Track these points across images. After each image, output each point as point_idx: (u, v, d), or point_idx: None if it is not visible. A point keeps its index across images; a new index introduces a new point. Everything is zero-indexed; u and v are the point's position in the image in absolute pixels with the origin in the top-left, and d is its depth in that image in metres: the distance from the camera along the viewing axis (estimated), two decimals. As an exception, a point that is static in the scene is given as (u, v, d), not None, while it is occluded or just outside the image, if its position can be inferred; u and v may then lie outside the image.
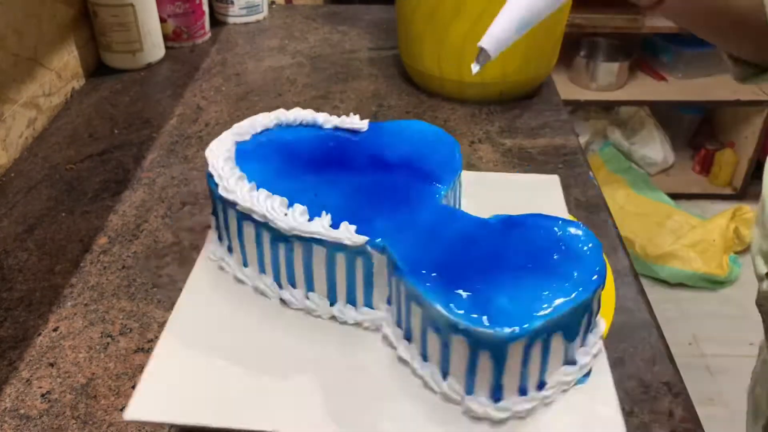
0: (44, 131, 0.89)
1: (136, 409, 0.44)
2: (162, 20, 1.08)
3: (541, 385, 0.43)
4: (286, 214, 0.48)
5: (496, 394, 0.42)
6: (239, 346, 0.48)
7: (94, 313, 0.59)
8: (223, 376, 0.46)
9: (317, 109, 0.94)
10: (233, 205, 0.50)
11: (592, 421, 0.43)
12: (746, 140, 2.12)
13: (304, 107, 0.95)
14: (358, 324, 0.49)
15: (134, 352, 0.56)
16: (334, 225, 0.47)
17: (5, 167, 0.80)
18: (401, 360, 0.47)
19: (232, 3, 1.22)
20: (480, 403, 0.42)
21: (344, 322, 0.50)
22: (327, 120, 0.60)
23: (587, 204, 0.74)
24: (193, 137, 0.88)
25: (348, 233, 0.46)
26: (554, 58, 0.99)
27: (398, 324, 0.47)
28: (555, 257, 0.45)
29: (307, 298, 0.50)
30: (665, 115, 2.25)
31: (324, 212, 0.48)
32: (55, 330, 0.58)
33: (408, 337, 0.47)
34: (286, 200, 0.49)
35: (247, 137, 0.57)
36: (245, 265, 0.53)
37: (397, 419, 0.43)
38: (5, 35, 0.80)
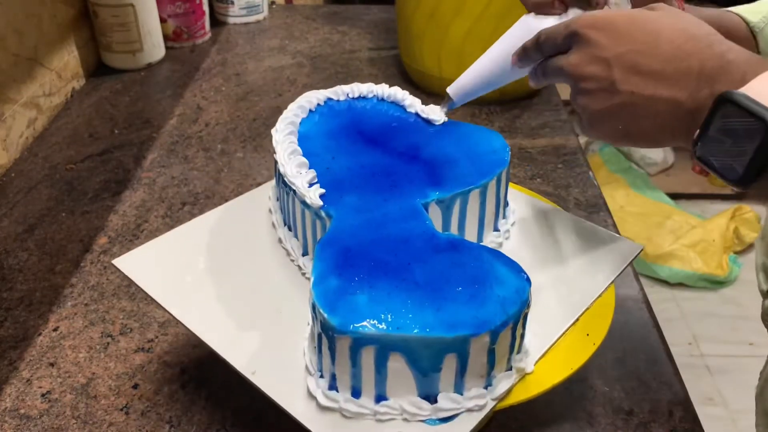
0: (44, 131, 0.89)
1: (125, 262, 0.50)
2: (162, 20, 1.08)
3: (379, 399, 0.41)
4: (298, 172, 0.51)
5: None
6: (240, 266, 0.51)
7: (94, 313, 0.59)
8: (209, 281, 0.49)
9: (317, 109, 0.95)
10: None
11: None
12: (746, 140, 2.12)
13: (304, 107, 0.95)
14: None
15: (134, 352, 0.56)
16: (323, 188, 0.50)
17: (5, 167, 0.80)
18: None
19: (232, 3, 1.22)
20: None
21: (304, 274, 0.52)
22: (412, 104, 0.62)
23: (587, 204, 0.74)
24: (193, 137, 0.88)
25: (310, 194, 0.49)
26: (554, 58, 0.98)
27: None
28: (459, 289, 0.42)
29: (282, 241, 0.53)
30: (665, 115, 2.24)
31: (313, 171, 0.51)
32: (55, 330, 0.58)
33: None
34: (306, 161, 0.52)
35: (343, 97, 0.62)
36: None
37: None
38: (5, 35, 0.80)
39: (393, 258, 0.44)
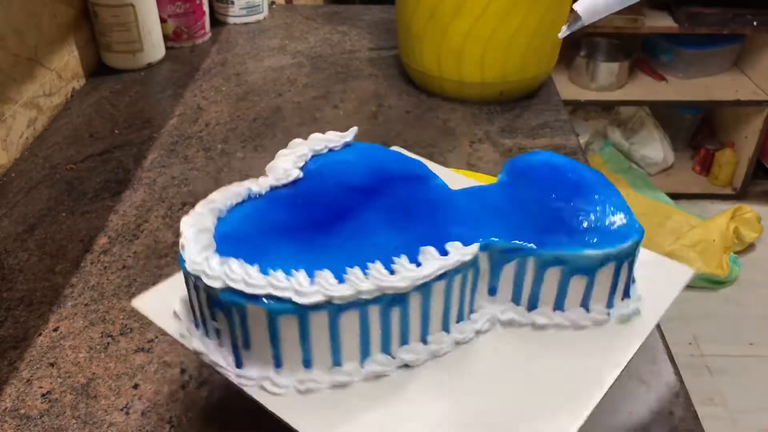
0: (44, 131, 0.89)
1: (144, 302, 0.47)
2: (162, 20, 1.08)
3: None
4: (392, 273, 0.42)
5: (627, 293, 0.49)
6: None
7: (94, 313, 0.60)
8: None
9: (317, 110, 0.95)
10: (322, 306, 0.41)
11: (657, 269, 0.53)
12: (746, 140, 2.12)
13: (304, 107, 0.95)
14: (477, 333, 0.48)
15: (134, 352, 0.56)
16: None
17: (5, 167, 0.80)
18: (536, 327, 0.48)
19: (232, 3, 1.22)
20: (624, 305, 0.49)
21: (465, 341, 0.47)
22: (259, 185, 0.50)
23: (587, 204, 0.74)
24: (193, 137, 0.88)
25: (461, 250, 0.44)
26: (554, 58, 0.99)
27: (516, 303, 0.49)
28: (569, 176, 0.52)
29: (426, 343, 0.46)
30: (665, 115, 2.25)
31: (421, 248, 0.44)
32: (55, 330, 0.58)
33: (534, 306, 0.48)
34: (380, 263, 0.43)
35: (213, 244, 0.46)
36: (339, 364, 0.44)
37: (593, 362, 0.46)
38: (5, 35, 0.80)
39: (527, 210, 0.50)
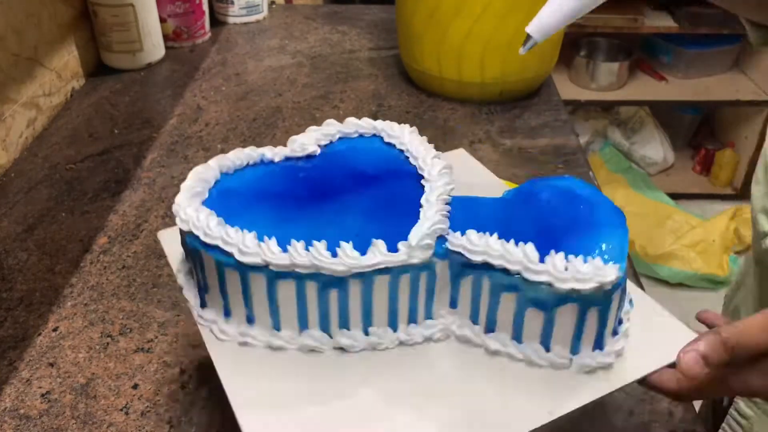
0: (44, 131, 0.89)
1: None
2: (162, 20, 1.08)
3: (619, 322, 0.46)
4: (334, 256, 0.44)
5: (599, 344, 0.45)
6: (324, 411, 0.44)
7: (94, 313, 0.59)
8: None
9: (317, 109, 0.95)
10: (261, 268, 0.44)
11: (662, 332, 0.48)
12: (746, 140, 2.12)
13: (304, 107, 0.95)
14: (427, 339, 0.48)
15: (134, 352, 0.56)
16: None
17: (5, 167, 0.80)
18: (491, 353, 0.47)
19: (232, 3, 1.22)
20: (590, 356, 0.45)
21: (413, 344, 0.47)
22: (275, 153, 0.54)
23: (587, 204, 0.74)
24: (193, 137, 0.88)
25: (408, 251, 0.44)
26: (554, 58, 0.99)
27: (474, 321, 0.47)
28: (581, 208, 0.48)
29: (367, 333, 0.47)
30: (665, 115, 2.25)
31: (373, 239, 0.45)
32: (55, 330, 0.58)
33: (491, 329, 0.47)
34: (325, 243, 0.44)
35: (206, 194, 0.51)
36: (278, 328, 0.47)
37: (526, 404, 0.44)
38: (5, 35, 0.80)
39: (524, 230, 0.47)
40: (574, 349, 0.45)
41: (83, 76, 1.02)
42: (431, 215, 0.46)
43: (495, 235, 0.45)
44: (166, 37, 1.10)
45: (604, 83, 2.03)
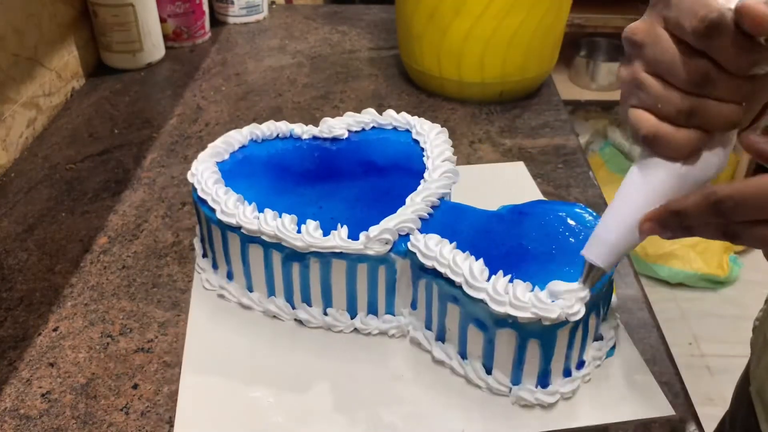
0: (44, 131, 0.89)
1: None
2: (162, 20, 1.08)
3: (580, 365, 0.44)
4: (299, 232, 0.47)
5: (543, 380, 0.43)
6: (263, 373, 0.47)
7: (94, 313, 0.59)
8: (255, 404, 0.46)
9: (317, 109, 0.95)
10: (235, 228, 0.49)
11: (632, 390, 0.45)
12: (746, 140, 2.12)
13: (304, 107, 0.95)
14: (382, 333, 0.49)
15: (134, 352, 0.56)
16: (351, 236, 0.46)
17: (5, 167, 0.80)
18: (437, 361, 0.47)
19: (232, 3, 1.22)
20: (529, 390, 0.43)
21: (368, 333, 0.49)
22: (304, 130, 0.58)
23: (587, 204, 0.74)
24: (193, 137, 0.88)
25: (370, 243, 0.45)
26: (554, 58, 0.99)
27: (428, 326, 0.47)
28: (571, 239, 0.46)
29: (326, 314, 0.49)
30: (665, 115, 2.25)
31: (339, 224, 0.47)
32: (55, 330, 0.58)
33: (441, 338, 0.47)
34: (295, 217, 0.47)
35: (226, 156, 0.56)
36: (250, 289, 0.52)
37: (449, 420, 0.43)
38: (5, 35, 0.80)
39: (499, 247, 0.48)
40: (515, 379, 0.44)
41: (83, 76, 1.01)
42: (404, 213, 0.47)
43: (453, 245, 0.45)
44: (166, 37, 1.10)
45: (604, 83, 2.03)
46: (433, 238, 0.45)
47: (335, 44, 1.17)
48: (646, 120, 0.35)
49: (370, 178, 0.53)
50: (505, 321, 0.42)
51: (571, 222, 0.48)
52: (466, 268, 0.43)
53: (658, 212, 0.36)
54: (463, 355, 0.46)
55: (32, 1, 0.87)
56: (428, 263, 0.45)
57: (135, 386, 0.52)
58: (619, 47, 2.08)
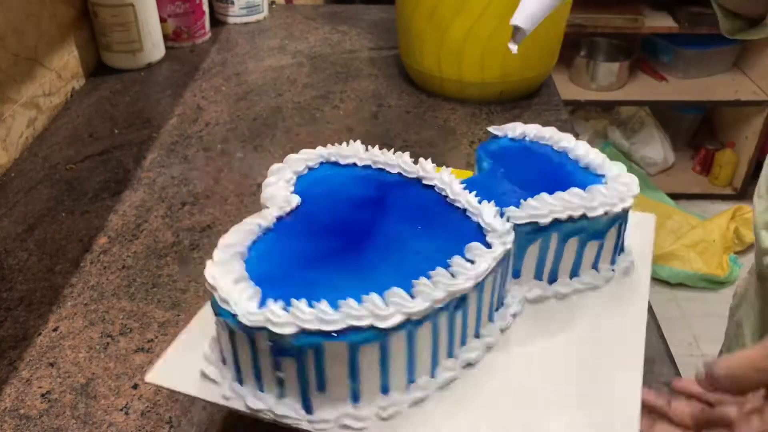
0: (44, 131, 0.89)
1: (157, 375, 0.43)
2: (162, 20, 1.08)
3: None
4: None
5: (623, 247, 0.54)
6: None
7: (94, 313, 0.59)
8: None
9: (317, 109, 0.95)
10: (402, 326, 0.39)
11: None
12: (746, 140, 2.12)
13: (304, 107, 0.95)
14: (514, 316, 0.49)
15: (134, 352, 0.56)
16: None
17: (5, 167, 0.80)
18: (560, 296, 0.51)
19: (232, 3, 1.22)
20: (620, 260, 0.52)
21: (507, 327, 0.48)
22: (266, 217, 0.47)
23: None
24: (193, 137, 0.88)
25: (501, 239, 0.45)
26: (554, 58, 0.99)
27: (539, 278, 0.51)
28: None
29: (479, 336, 0.46)
30: (665, 115, 2.25)
31: (467, 245, 0.44)
32: (55, 330, 0.58)
33: (553, 279, 0.51)
34: (440, 269, 0.42)
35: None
36: (413, 380, 0.42)
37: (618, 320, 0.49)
38: (5, 35, 0.80)
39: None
40: (613, 261, 0.52)
41: (83, 76, 1.01)
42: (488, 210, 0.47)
43: (542, 193, 0.48)
44: (166, 37, 1.10)
45: (604, 83, 2.03)
46: (492, 208, 0.47)
47: (335, 44, 1.17)
48: None
49: (385, 208, 0.49)
50: (617, 218, 0.50)
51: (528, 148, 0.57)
52: (575, 199, 0.48)
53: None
54: (576, 274, 0.51)
55: (32, 1, 0.87)
56: (545, 220, 0.47)
57: (135, 386, 0.53)
58: (619, 47, 2.08)
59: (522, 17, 0.55)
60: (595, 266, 0.51)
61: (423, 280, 0.40)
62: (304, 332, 0.37)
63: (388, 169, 0.53)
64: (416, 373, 0.42)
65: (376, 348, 0.39)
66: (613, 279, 0.51)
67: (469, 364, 0.45)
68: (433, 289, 0.40)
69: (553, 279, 0.51)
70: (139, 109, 0.95)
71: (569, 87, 2.03)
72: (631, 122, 2.25)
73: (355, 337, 0.38)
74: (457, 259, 0.42)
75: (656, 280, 1.87)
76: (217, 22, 1.23)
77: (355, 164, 0.54)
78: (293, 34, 1.21)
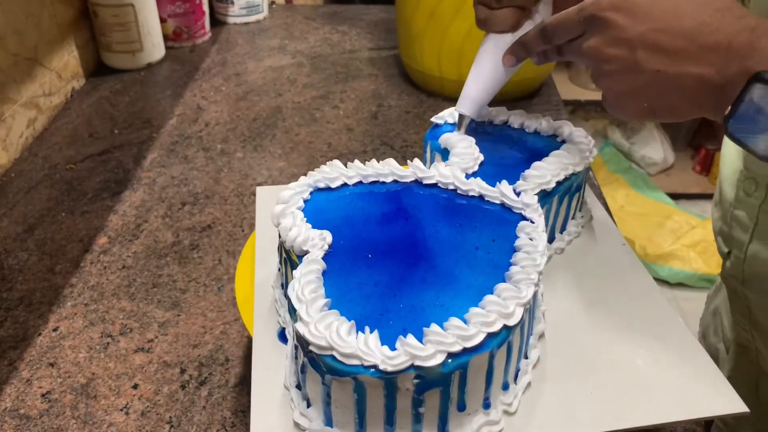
0: (44, 131, 0.89)
1: None
2: (162, 20, 1.08)
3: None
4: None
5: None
6: None
7: (94, 313, 0.59)
8: None
9: (317, 109, 0.95)
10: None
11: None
12: (746, 140, 2.12)
13: (304, 107, 0.95)
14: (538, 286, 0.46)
15: (134, 352, 0.56)
16: None
17: (5, 167, 0.80)
18: (559, 251, 0.55)
19: (232, 3, 1.22)
20: (583, 212, 0.59)
21: (542, 320, 0.47)
22: (316, 259, 0.43)
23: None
24: (193, 137, 0.88)
25: (541, 236, 0.45)
26: (554, 58, 0.98)
27: (550, 241, 0.55)
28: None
29: (527, 357, 0.44)
30: (665, 115, 2.25)
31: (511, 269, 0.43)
32: (55, 330, 0.58)
33: (552, 239, 0.55)
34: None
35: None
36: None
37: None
38: (5, 35, 0.80)
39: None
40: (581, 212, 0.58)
41: (83, 76, 1.01)
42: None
43: (534, 162, 0.52)
44: (166, 37, 1.10)
45: (604, 83, 2.03)
46: (509, 187, 0.49)
47: (335, 44, 1.17)
48: (481, 10, 0.52)
49: (417, 221, 0.47)
50: (587, 170, 0.57)
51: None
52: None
53: (512, 47, 0.52)
54: (564, 228, 0.56)
55: (32, 1, 0.87)
56: (550, 186, 0.51)
57: (135, 386, 0.53)
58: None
59: (467, 106, 0.55)
60: (573, 216, 0.56)
61: (515, 269, 0.41)
62: (450, 356, 0.35)
63: (381, 179, 0.51)
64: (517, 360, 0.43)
65: (505, 347, 0.38)
66: (584, 223, 0.57)
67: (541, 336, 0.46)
68: (529, 273, 0.41)
69: (552, 239, 0.54)
70: (139, 109, 0.95)
71: (569, 87, 2.03)
72: (631, 122, 2.25)
73: (491, 343, 0.37)
74: (521, 242, 0.44)
75: (656, 280, 1.87)
76: (217, 22, 1.23)
77: (345, 184, 0.50)
78: (293, 34, 1.21)
